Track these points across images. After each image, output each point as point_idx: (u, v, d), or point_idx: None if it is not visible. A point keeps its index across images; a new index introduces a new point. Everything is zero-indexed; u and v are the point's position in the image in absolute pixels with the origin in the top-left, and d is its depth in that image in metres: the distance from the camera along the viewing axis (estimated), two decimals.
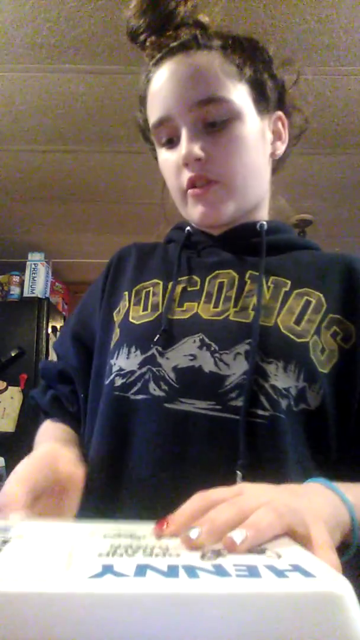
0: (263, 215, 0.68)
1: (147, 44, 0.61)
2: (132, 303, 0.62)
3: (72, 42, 1.57)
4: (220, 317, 0.56)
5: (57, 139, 2.06)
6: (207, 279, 0.61)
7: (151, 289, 0.62)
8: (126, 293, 0.64)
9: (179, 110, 0.57)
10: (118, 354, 0.58)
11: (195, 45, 0.58)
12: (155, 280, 0.63)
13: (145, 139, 0.69)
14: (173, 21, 0.59)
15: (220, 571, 0.25)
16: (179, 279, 0.62)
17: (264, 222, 0.64)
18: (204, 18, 0.61)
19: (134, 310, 0.61)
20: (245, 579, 0.24)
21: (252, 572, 0.25)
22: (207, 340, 0.54)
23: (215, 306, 0.57)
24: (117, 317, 0.63)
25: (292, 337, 0.54)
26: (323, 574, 0.25)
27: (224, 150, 0.58)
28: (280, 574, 0.25)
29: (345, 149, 2.12)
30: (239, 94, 0.58)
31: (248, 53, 0.61)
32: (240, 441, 0.48)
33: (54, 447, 0.50)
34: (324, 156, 2.18)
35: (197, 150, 0.56)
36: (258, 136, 0.61)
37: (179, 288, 0.61)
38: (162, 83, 0.59)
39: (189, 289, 0.60)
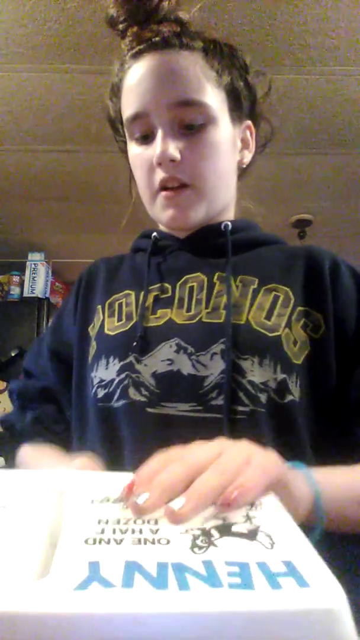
0: (229, 217, 0.68)
1: (128, 33, 0.60)
2: (106, 315, 0.62)
3: (72, 42, 1.57)
4: (194, 321, 0.57)
5: (57, 139, 2.06)
6: (178, 285, 0.61)
7: (124, 299, 0.63)
8: (99, 307, 0.64)
9: (157, 108, 0.57)
10: (97, 366, 0.58)
11: (178, 43, 0.58)
12: (127, 291, 0.63)
13: (115, 130, 0.69)
14: (156, 15, 0.59)
15: (211, 576, 0.24)
16: (151, 287, 0.62)
17: (229, 222, 0.64)
18: (184, 16, 0.61)
19: (109, 322, 0.61)
20: (237, 591, 0.23)
21: (244, 577, 0.24)
22: (183, 343, 0.55)
23: (188, 310, 0.58)
24: (93, 331, 0.63)
25: (264, 332, 0.55)
26: (318, 581, 0.24)
27: (198, 153, 0.58)
28: (273, 581, 0.23)
29: (345, 149, 2.12)
30: (216, 100, 0.59)
31: (227, 60, 0.61)
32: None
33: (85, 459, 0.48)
34: (324, 156, 2.18)
35: (172, 150, 0.56)
36: (230, 143, 0.62)
37: (150, 297, 0.61)
38: (141, 77, 0.58)
39: (162, 296, 0.61)
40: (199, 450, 0.35)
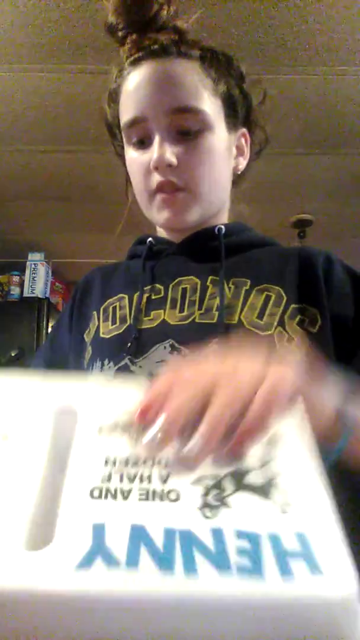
0: (223, 221, 0.69)
1: (127, 41, 0.62)
2: (101, 320, 0.63)
3: (72, 42, 1.57)
4: (187, 321, 0.58)
5: (57, 139, 2.05)
6: (170, 286, 0.62)
7: (117, 303, 0.64)
8: (95, 312, 0.65)
9: (155, 114, 0.58)
10: (92, 369, 0.59)
11: (177, 51, 0.60)
12: (121, 295, 0.64)
13: (112, 134, 0.71)
14: (155, 24, 0.61)
15: (220, 555, 0.22)
16: (144, 289, 0.63)
17: (222, 226, 0.66)
18: (182, 25, 0.62)
19: (104, 326, 0.62)
20: (246, 581, 0.22)
21: (254, 557, 0.22)
22: (176, 344, 0.56)
23: (181, 311, 0.59)
24: (88, 337, 0.64)
25: (256, 331, 0.56)
26: (330, 566, 0.22)
27: (194, 159, 0.59)
28: (284, 564, 0.22)
29: (345, 149, 2.12)
30: (213, 107, 0.61)
31: (223, 69, 0.63)
32: None
33: None
34: (324, 156, 2.18)
35: (169, 155, 0.58)
36: (225, 150, 0.64)
37: (143, 298, 0.62)
38: (139, 83, 0.59)
39: (154, 297, 0.62)
40: (210, 368, 0.32)
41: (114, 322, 0.62)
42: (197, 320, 0.57)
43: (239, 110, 0.66)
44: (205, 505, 0.25)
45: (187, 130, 0.59)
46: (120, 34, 0.62)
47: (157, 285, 0.63)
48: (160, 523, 0.23)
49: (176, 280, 0.63)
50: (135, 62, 0.61)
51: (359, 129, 2.00)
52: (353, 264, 0.63)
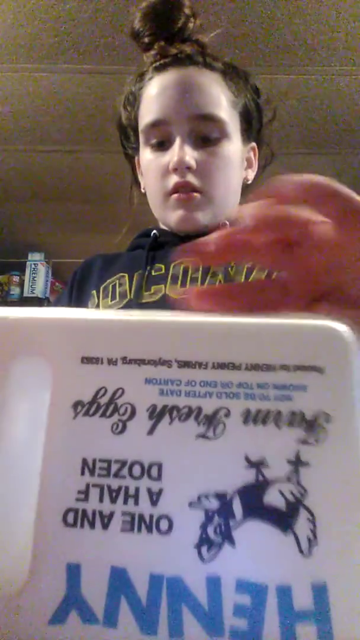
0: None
1: (155, 47, 0.64)
2: (100, 298, 0.64)
3: (72, 42, 1.57)
4: None
5: (57, 139, 2.05)
6: (172, 264, 0.63)
7: (117, 281, 0.65)
8: (94, 292, 0.66)
9: (178, 118, 0.61)
10: None
11: (202, 61, 0.62)
12: (121, 274, 0.65)
13: (125, 136, 0.73)
14: (182, 35, 0.64)
15: (213, 613, 0.18)
16: (145, 267, 0.64)
17: (226, 222, 0.68)
18: (203, 39, 0.66)
19: (103, 303, 0.63)
20: None
21: (254, 618, 0.18)
22: None
23: (183, 286, 0.60)
24: None
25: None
26: (348, 635, 0.18)
27: (211, 164, 0.62)
28: (288, 634, 0.18)
29: (345, 149, 2.12)
30: (232, 119, 0.64)
31: (242, 84, 0.67)
32: None
33: None
34: (324, 156, 2.18)
35: (189, 159, 0.60)
36: (239, 159, 0.67)
37: (144, 276, 0.63)
38: (164, 88, 0.62)
39: (154, 273, 0.63)
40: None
41: (113, 298, 0.62)
42: None
43: (253, 125, 0.70)
44: (204, 541, 0.19)
45: (207, 136, 0.62)
46: (146, 40, 0.65)
47: (158, 264, 0.64)
48: (146, 566, 0.19)
49: (178, 261, 0.63)
50: (161, 68, 0.63)
51: (359, 129, 2.00)
52: None
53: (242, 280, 0.59)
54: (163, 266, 0.64)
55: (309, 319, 0.21)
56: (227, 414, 0.20)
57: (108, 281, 0.66)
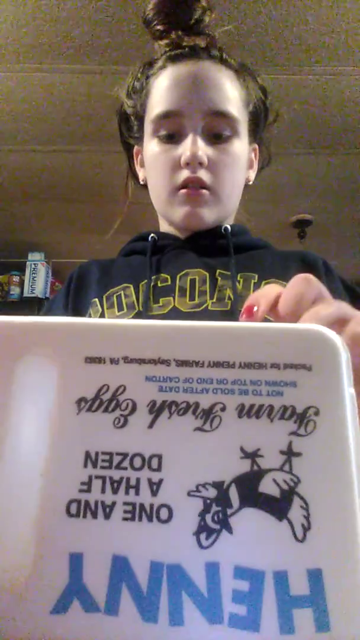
0: (229, 223, 0.71)
1: (172, 36, 0.63)
2: (105, 307, 0.62)
3: (72, 42, 1.57)
4: (200, 308, 0.58)
5: (57, 139, 2.05)
6: (178, 275, 0.62)
7: (122, 292, 0.63)
8: (96, 300, 0.63)
9: (192, 112, 0.59)
10: None
11: (219, 56, 0.61)
12: (125, 284, 0.63)
13: (127, 126, 0.71)
14: (198, 27, 0.63)
15: (212, 600, 0.19)
16: (150, 277, 0.63)
17: (228, 226, 0.67)
18: (216, 35, 0.65)
19: (109, 312, 0.61)
20: (239, 630, 0.19)
21: (253, 604, 0.19)
22: None
23: (192, 299, 0.59)
24: None
25: (271, 318, 0.56)
26: (343, 620, 0.19)
27: (222, 162, 0.61)
28: (286, 617, 0.19)
29: (345, 149, 2.12)
30: (243, 118, 0.63)
31: (253, 83, 0.66)
32: None
33: None
34: (324, 156, 2.18)
35: (202, 154, 0.59)
36: (246, 160, 0.66)
37: (151, 287, 0.62)
38: (179, 79, 0.60)
39: (160, 284, 0.62)
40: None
41: (120, 309, 0.61)
42: (210, 308, 0.57)
43: (260, 125, 0.69)
44: (202, 528, 0.20)
45: (219, 133, 0.60)
46: (160, 27, 0.63)
47: (163, 275, 0.63)
48: (146, 553, 0.20)
49: (183, 271, 0.62)
50: (176, 59, 0.61)
51: (359, 129, 2.00)
52: (353, 264, 0.64)
53: (250, 293, 0.58)
54: (169, 277, 0.62)
55: (298, 324, 0.23)
56: (223, 409, 0.22)
57: (111, 290, 0.64)
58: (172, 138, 0.61)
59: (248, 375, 0.22)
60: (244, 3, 1.43)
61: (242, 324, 0.24)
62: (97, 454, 0.21)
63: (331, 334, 0.22)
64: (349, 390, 0.21)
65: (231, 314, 0.56)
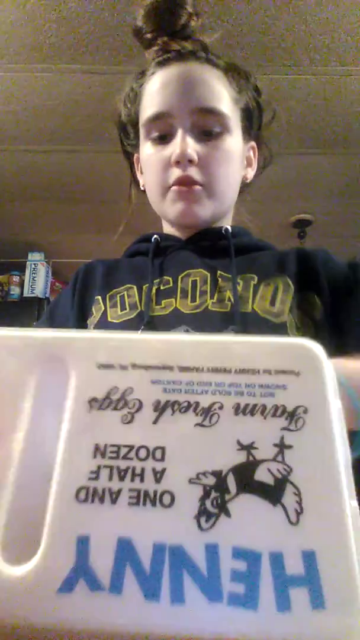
0: (228, 223, 0.72)
1: (159, 41, 0.64)
2: (108, 306, 0.63)
3: (72, 42, 1.57)
4: (200, 309, 0.59)
5: (57, 139, 2.05)
6: (180, 277, 0.63)
7: (125, 292, 0.64)
8: (99, 297, 0.64)
9: (180, 111, 0.60)
10: None
11: (205, 57, 0.63)
12: (128, 285, 0.64)
13: (125, 133, 0.72)
14: (184, 32, 0.64)
15: (211, 579, 0.20)
16: (153, 280, 0.64)
17: (228, 227, 0.68)
18: (205, 39, 0.66)
19: (112, 311, 0.62)
20: (236, 612, 0.20)
21: (250, 583, 0.20)
22: (191, 330, 0.56)
23: (193, 300, 0.60)
24: (91, 322, 0.64)
25: (271, 318, 0.57)
26: (337, 598, 0.20)
27: (213, 158, 0.61)
28: (282, 596, 0.20)
29: (345, 149, 2.12)
30: (234, 115, 0.64)
31: (244, 82, 0.67)
32: None
33: None
34: (324, 156, 2.18)
35: (191, 151, 0.60)
36: (240, 156, 0.67)
37: (153, 289, 0.63)
38: (167, 81, 0.61)
39: (162, 287, 0.62)
40: None
41: (123, 308, 0.61)
42: (210, 308, 0.58)
43: (254, 123, 0.69)
44: (202, 512, 0.22)
45: (209, 130, 0.61)
46: (148, 36, 0.65)
47: (166, 277, 0.63)
48: (150, 536, 0.21)
49: (185, 272, 0.63)
50: (164, 63, 0.63)
51: (359, 129, 2.00)
52: None
53: (250, 296, 0.59)
54: (170, 279, 0.63)
55: (287, 338, 0.27)
56: (221, 407, 0.24)
57: (115, 290, 0.64)
58: (164, 139, 0.62)
59: (243, 380, 0.25)
60: (244, 3, 1.43)
61: (238, 337, 0.27)
62: (105, 446, 0.24)
63: (314, 345, 0.25)
64: (332, 392, 0.24)
65: (231, 316, 0.56)
